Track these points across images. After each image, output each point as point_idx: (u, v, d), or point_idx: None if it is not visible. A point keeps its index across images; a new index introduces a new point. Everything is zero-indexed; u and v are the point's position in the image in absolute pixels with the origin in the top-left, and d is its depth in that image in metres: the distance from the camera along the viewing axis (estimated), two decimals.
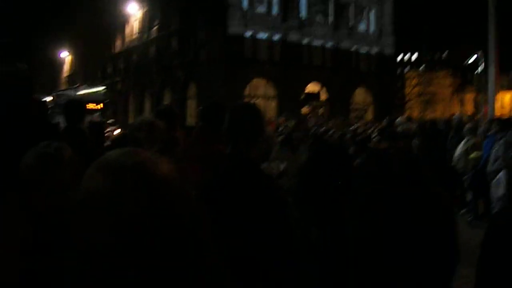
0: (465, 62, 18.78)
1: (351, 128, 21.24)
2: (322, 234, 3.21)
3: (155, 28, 57.41)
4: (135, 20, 61.78)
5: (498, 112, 22.54)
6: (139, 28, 61.87)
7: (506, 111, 58.48)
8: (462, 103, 72.20)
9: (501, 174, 10.44)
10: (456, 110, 67.78)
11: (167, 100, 53.36)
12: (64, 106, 6.35)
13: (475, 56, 18.11)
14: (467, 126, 13.32)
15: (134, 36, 63.03)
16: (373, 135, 18.38)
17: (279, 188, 3.32)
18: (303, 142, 18.41)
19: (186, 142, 5.58)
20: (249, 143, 3.26)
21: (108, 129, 20.58)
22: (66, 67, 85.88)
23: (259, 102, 46.36)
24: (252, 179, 3.17)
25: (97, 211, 1.19)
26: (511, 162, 10.38)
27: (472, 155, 12.44)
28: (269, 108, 47.46)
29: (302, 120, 24.83)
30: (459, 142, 13.15)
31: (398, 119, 17.59)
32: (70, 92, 45.71)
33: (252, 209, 3.02)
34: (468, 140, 12.87)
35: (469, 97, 68.27)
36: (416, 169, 2.46)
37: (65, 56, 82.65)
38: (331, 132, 20.53)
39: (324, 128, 21.49)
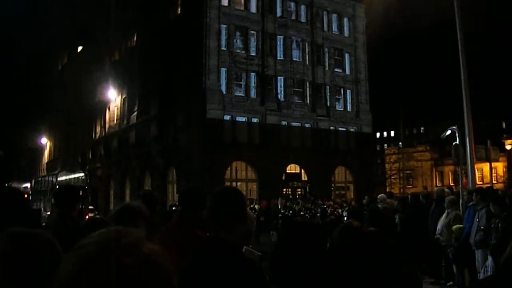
0: (442, 136, 19.06)
1: (320, 208, 21.31)
2: None
3: (134, 114, 57.81)
4: (114, 106, 62.26)
5: (478, 182, 22.71)
6: (118, 114, 62.26)
7: (486, 181, 59.05)
8: (441, 176, 72.83)
9: (489, 261, 10.36)
10: (436, 183, 68.37)
11: (147, 185, 53.17)
12: (56, 192, 6.26)
13: (449, 131, 18.40)
14: (448, 198, 13.39)
15: (113, 122, 63.33)
16: (344, 215, 18.47)
17: (261, 272, 3.27)
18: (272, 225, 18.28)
19: (165, 227, 5.52)
20: (230, 227, 3.30)
21: (87, 216, 20.43)
22: (46, 153, 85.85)
23: (240, 185, 46.40)
24: (233, 263, 3.16)
25: None
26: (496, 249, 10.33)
27: (455, 227, 12.46)
28: (251, 191, 47.43)
29: (269, 203, 24.79)
30: (441, 215, 13.19)
31: (380, 196, 17.68)
32: (50, 179, 45.48)
33: None
34: (449, 213, 12.92)
35: (448, 170, 69.01)
36: (388, 250, 2.46)
37: (45, 142, 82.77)
38: (301, 213, 20.57)
39: (293, 210, 21.53)
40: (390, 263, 2.51)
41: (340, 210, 19.97)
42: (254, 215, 20.60)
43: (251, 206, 23.51)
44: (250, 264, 3.30)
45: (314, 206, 22.86)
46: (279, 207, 22.44)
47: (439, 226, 13.07)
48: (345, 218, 18.18)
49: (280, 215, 20.54)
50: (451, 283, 13.01)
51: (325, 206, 21.46)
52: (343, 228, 3.19)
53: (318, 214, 20.27)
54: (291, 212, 21.00)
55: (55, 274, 2.27)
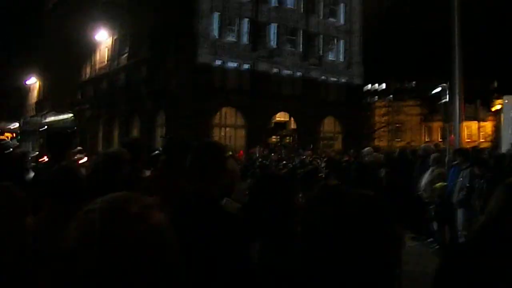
0: (431, 93, 19.00)
1: (300, 159, 21.17)
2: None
3: (124, 56, 57.20)
4: (105, 48, 61.48)
5: (465, 141, 22.75)
6: (108, 56, 61.56)
7: (473, 139, 59.54)
8: (430, 131, 73.01)
9: None
10: (424, 139, 68.65)
11: (136, 128, 53.05)
12: (47, 138, 6.23)
13: (440, 88, 18.32)
14: (433, 156, 13.40)
15: (103, 64, 62.66)
16: (322, 166, 18.45)
17: (239, 226, 3.31)
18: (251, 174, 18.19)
19: (150, 175, 5.55)
20: (210, 181, 3.37)
21: (75, 157, 20.30)
22: (34, 93, 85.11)
23: (228, 131, 46.41)
24: (212, 218, 3.20)
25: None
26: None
27: (438, 185, 12.49)
28: (238, 137, 47.48)
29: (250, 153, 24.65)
30: (425, 172, 13.22)
31: (365, 149, 17.69)
32: (38, 119, 45.29)
33: (210, 249, 3.04)
34: (433, 170, 12.94)
35: (437, 126, 69.08)
36: (374, 213, 2.41)
37: (33, 82, 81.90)
38: (281, 163, 20.44)
39: (270, 159, 21.40)
40: (379, 226, 2.48)
41: (318, 161, 19.83)
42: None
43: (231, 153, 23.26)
44: (229, 218, 3.32)
45: (294, 155, 22.75)
46: (257, 155, 22.31)
47: (422, 183, 13.12)
48: (324, 169, 18.19)
49: (258, 163, 20.39)
50: (431, 239, 13.12)
51: (303, 156, 21.28)
52: (322, 191, 3.17)
53: (297, 164, 20.15)
54: (268, 161, 20.87)
55: (19, 226, 2.21)
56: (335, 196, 2.38)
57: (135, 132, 53.01)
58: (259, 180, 3.73)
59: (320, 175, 17.83)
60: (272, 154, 22.53)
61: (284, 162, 20.34)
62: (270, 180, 3.67)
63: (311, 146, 33.64)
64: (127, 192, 1.28)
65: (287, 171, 18.25)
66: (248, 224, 3.36)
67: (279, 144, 46.16)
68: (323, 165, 18.69)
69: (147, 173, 6.19)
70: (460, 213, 11.44)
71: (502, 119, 16.06)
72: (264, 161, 20.54)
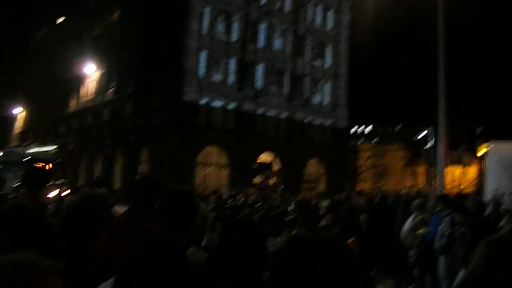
0: (415, 137, 19.08)
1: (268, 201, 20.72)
2: None
3: (110, 90, 57.19)
4: (91, 81, 61.44)
5: (449, 185, 22.77)
6: (94, 90, 61.50)
7: (456, 184, 59.74)
8: (414, 175, 73.25)
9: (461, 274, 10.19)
10: (408, 183, 68.81)
11: (119, 163, 52.72)
12: (24, 174, 6.08)
13: (425, 132, 18.38)
14: (415, 202, 13.33)
15: (89, 97, 62.57)
16: (290, 209, 18.27)
17: (203, 279, 3.17)
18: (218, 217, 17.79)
19: (120, 216, 5.40)
20: (179, 228, 3.34)
21: (56, 190, 19.94)
22: (19, 124, 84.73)
23: (211, 170, 46.25)
24: (172, 269, 3.07)
25: None
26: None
27: (420, 231, 12.38)
28: (221, 176, 47.28)
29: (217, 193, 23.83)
30: (407, 218, 13.11)
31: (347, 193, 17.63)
32: (20, 150, 44.91)
33: None
34: (416, 216, 12.84)
35: (421, 169, 69.40)
36: (346, 262, 2.28)
37: (18, 112, 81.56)
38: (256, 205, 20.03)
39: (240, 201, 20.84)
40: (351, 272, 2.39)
41: (287, 206, 19.43)
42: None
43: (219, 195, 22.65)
44: (191, 270, 3.14)
45: (268, 197, 22.30)
46: (224, 196, 21.68)
47: (404, 229, 13.00)
48: (293, 212, 18.02)
49: (227, 205, 19.86)
50: (412, 285, 12.96)
51: (274, 199, 20.83)
52: (291, 241, 3.04)
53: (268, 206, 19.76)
54: (239, 203, 20.35)
55: None
56: (302, 250, 2.25)
57: (117, 168, 52.77)
58: (230, 228, 3.57)
59: (289, 218, 17.59)
60: (240, 195, 21.88)
61: (259, 204, 19.96)
62: (240, 228, 3.48)
63: (282, 187, 33.46)
64: (21, 255, 1.29)
65: (260, 215, 18.03)
66: (213, 274, 3.20)
67: (259, 185, 45.81)
68: (290, 208, 18.43)
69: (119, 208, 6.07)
70: (441, 260, 11.30)
71: (486, 164, 16.00)
72: (234, 203, 20.13)
